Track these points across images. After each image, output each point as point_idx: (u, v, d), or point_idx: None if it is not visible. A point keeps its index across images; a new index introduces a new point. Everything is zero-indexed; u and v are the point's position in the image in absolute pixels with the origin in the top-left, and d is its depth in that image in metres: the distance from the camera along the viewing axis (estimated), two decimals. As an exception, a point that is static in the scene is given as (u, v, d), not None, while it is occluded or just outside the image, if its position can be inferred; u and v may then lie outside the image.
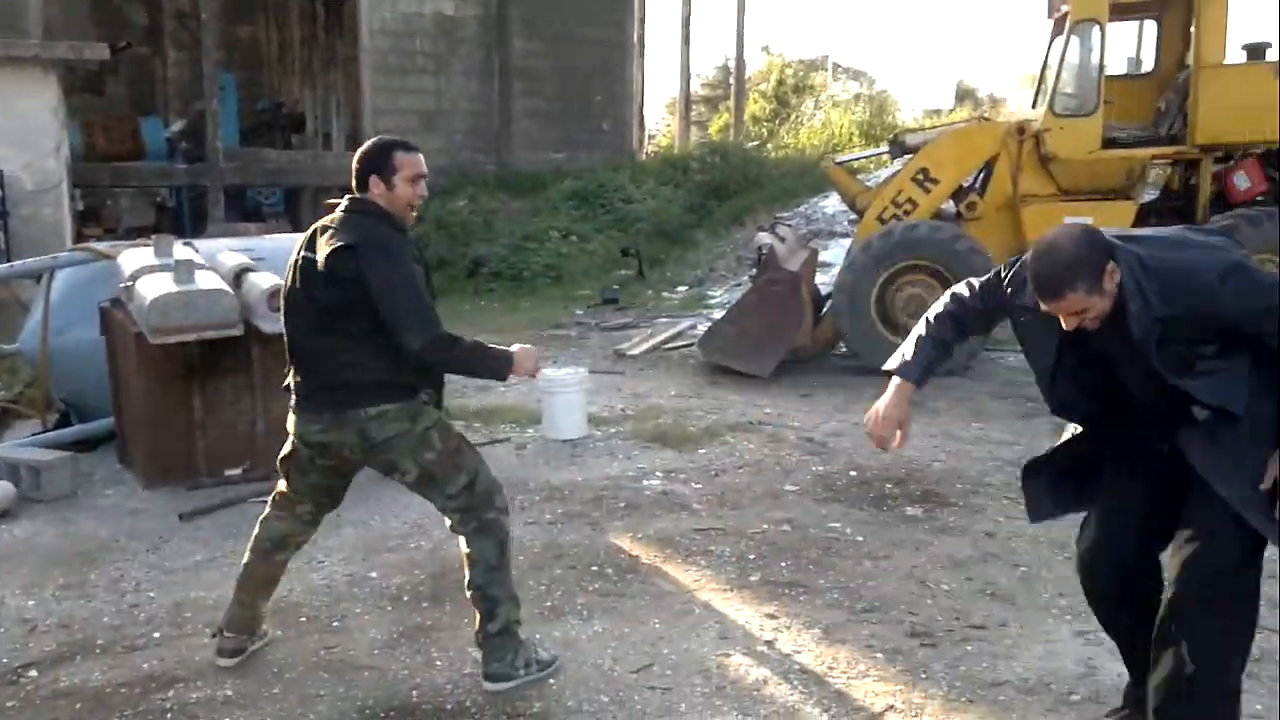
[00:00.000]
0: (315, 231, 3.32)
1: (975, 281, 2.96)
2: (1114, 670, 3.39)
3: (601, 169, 17.36)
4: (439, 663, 3.66)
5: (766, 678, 3.50)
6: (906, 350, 3.00)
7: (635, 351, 9.66)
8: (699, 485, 5.64)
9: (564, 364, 8.82)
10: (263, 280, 5.51)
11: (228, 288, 5.46)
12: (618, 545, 4.75)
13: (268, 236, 8.02)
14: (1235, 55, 8.29)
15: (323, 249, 3.21)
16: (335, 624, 4.00)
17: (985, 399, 7.58)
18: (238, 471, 5.69)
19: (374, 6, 16.41)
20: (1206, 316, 2.51)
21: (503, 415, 7.25)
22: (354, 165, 3.31)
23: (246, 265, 5.76)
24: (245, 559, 3.65)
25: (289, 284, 3.37)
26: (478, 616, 3.43)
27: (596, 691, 3.42)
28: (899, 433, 2.92)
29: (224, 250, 6.06)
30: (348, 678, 3.56)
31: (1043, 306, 2.57)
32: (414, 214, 3.36)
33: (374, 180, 3.27)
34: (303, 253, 3.31)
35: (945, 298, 3.01)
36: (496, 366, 3.37)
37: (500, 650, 3.42)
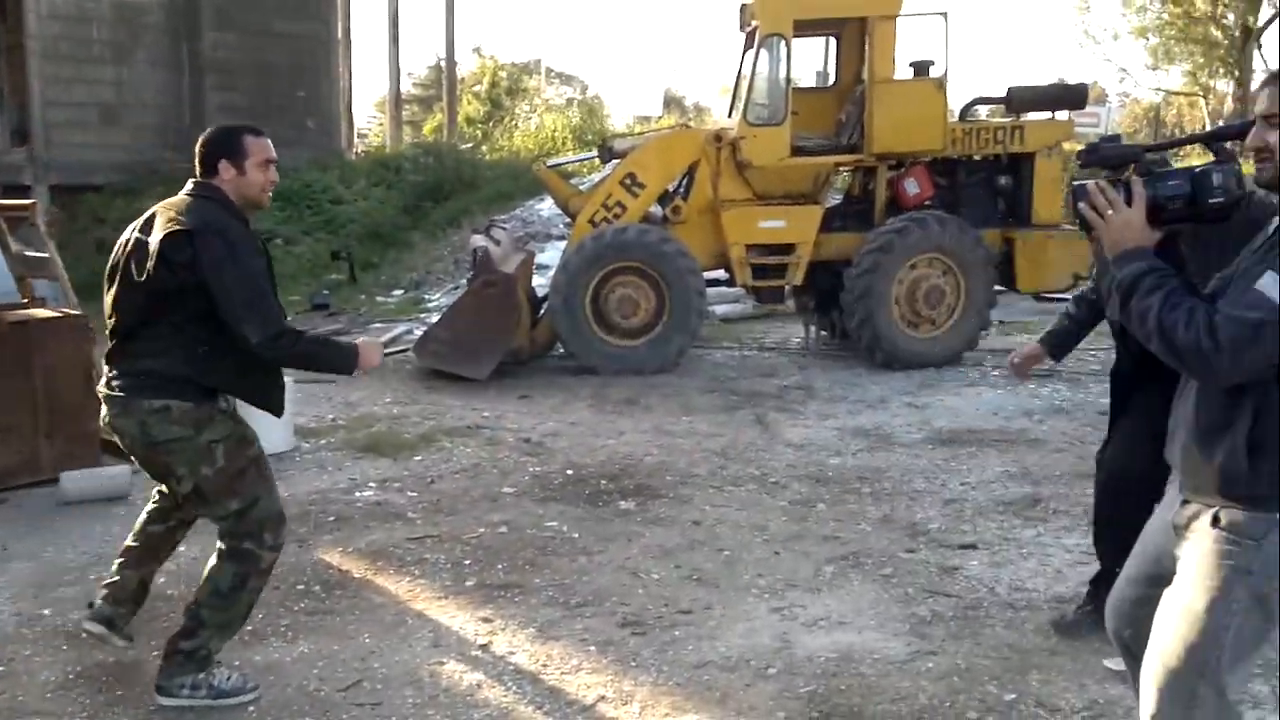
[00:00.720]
0: (155, 213, 3.18)
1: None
2: (806, 643, 3.64)
3: (308, 168, 16.61)
4: (124, 701, 3.37)
5: (480, 681, 3.49)
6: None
7: (347, 358, 9.33)
8: (414, 493, 5.54)
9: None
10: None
11: None
12: (326, 561, 4.57)
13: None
14: (904, 72, 9.11)
15: (158, 230, 3.06)
16: (1, 668, 3.59)
17: (694, 394, 7.92)
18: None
19: (42, -12, 14.88)
20: None
21: (201, 430, 6.78)
22: (199, 150, 3.24)
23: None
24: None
25: (116, 263, 3.19)
26: (181, 626, 3.29)
27: (300, 714, 3.28)
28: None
29: None
30: (15, 729, 3.21)
31: None
32: (268, 199, 3.34)
33: (224, 165, 3.20)
34: (136, 233, 3.16)
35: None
36: (340, 360, 3.31)
37: (180, 670, 3.27)
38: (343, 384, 8.34)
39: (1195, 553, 2.15)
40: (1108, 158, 2.57)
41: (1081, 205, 2.23)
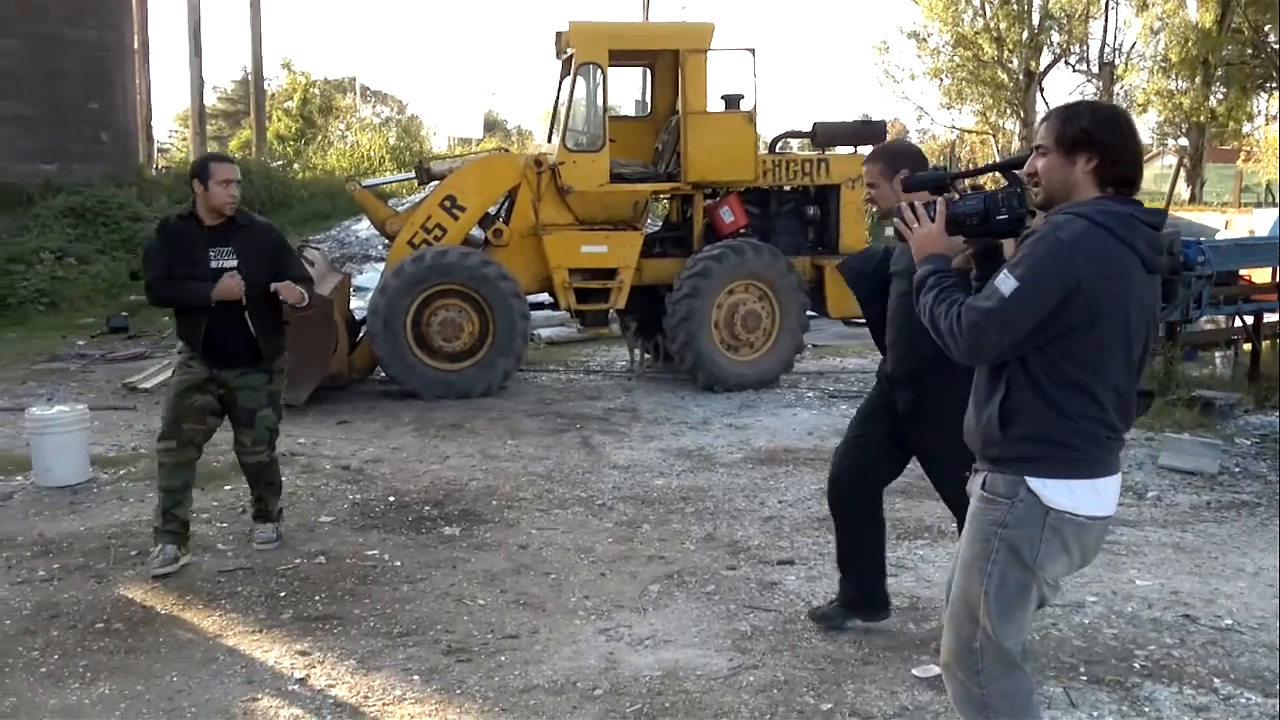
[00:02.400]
0: None
1: None
2: (632, 662, 3.68)
3: (102, 184, 15.65)
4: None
5: (297, 716, 3.36)
6: None
7: (149, 384, 8.82)
8: (224, 524, 5.29)
9: (60, 401, 7.84)
10: None
11: None
12: (128, 597, 4.31)
13: None
14: (716, 104, 9.40)
15: None
16: None
17: (520, 417, 7.89)
18: None
19: None
20: None
21: (-19, 463, 6.28)
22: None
23: None
24: None
25: None
26: None
27: (102, 763, 3.07)
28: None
29: None
30: None
31: None
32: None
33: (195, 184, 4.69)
34: None
35: None
36: (197, 295, 4.62)
37: None
38: (144, 410, 7.90)
39: (971, 512, 2.55)
40: (925, 181, 2.94)
41: (895, 220, 2.66)
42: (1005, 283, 2.30)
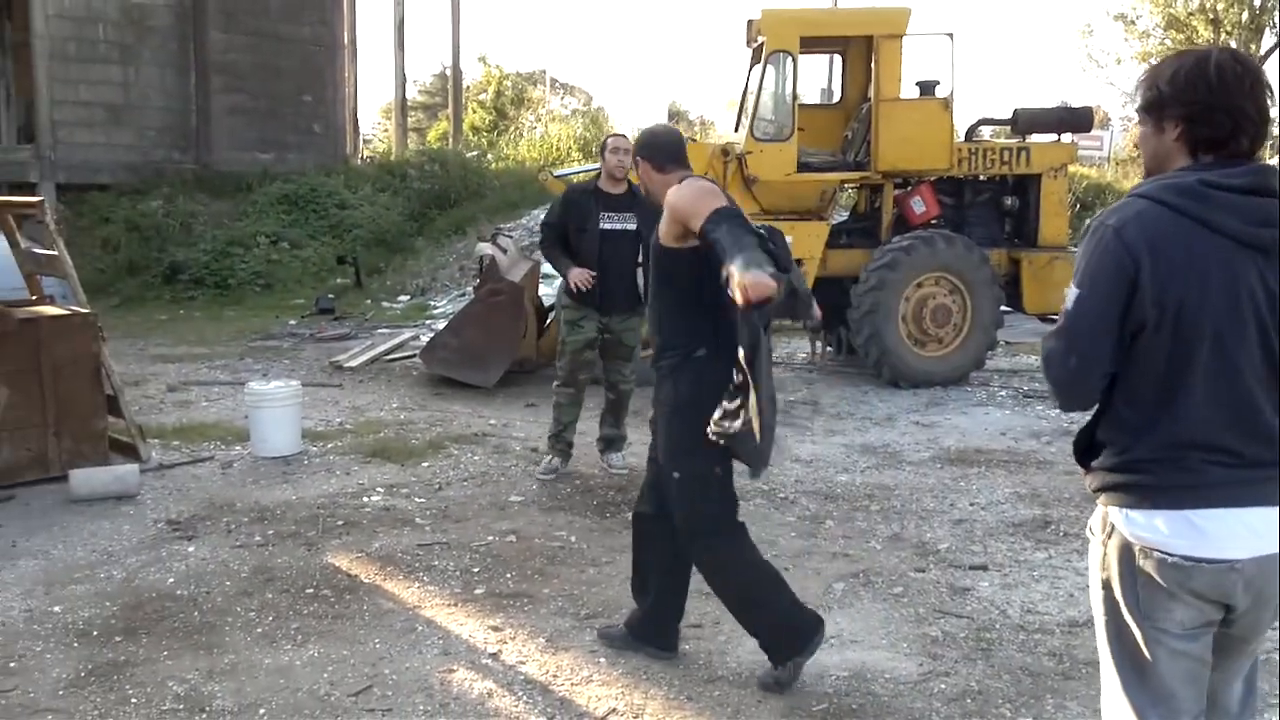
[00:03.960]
0: None
1: None
2: (817, 659, 3.63)
3: (313, 172, 16.64)
4: (134, 700, 3.36)
5: (491, 690, 3.48)
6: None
7: (354, 363, 9.34)
8: (422, 499, 5.53)
9: (275, 377, 8.39)
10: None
11: None
12: (335, 565, 4.56)
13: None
14: (910, 91, 9.15)
15: None
16: (12, 664, 3.59)
17: (698, 406, 7.89)
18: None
19: (49, -11, 14.88)
20: None
21: (205, 433, 6.78)
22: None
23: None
24: None
25: None
26: None
27: (311, 719, 3.27)
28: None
29: None
30: (25, 728, 3.20)
31: None
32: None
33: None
34: None
35: None
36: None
37: None
38: (350, 388, 8.35)
39: None
40: None
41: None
42: (1068, 295, 2.02)
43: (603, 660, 3.70)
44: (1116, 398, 2.03)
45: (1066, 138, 9.44)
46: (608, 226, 5.65)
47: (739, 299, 2.82)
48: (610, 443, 6.13)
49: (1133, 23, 27.88)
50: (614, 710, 3.36)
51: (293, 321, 11.98)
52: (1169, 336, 1.94)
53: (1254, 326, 1.94)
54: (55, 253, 6.01)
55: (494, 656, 3.73)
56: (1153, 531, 1.98)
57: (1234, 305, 1.92)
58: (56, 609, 4.04)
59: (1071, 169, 9.93)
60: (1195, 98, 1.95)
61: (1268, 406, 1.97)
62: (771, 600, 3.46)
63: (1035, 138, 9.35)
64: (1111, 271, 1.95)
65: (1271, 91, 1.98)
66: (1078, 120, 9.54)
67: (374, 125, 31.80)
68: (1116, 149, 24.82)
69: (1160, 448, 1.98)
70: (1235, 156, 1.96)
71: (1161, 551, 1.97)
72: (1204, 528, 1.95)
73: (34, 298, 6.30)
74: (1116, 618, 2.06)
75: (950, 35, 8.85)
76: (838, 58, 9.99)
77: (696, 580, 4.42)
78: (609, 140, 5.82)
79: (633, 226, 5.61)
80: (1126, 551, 2.02)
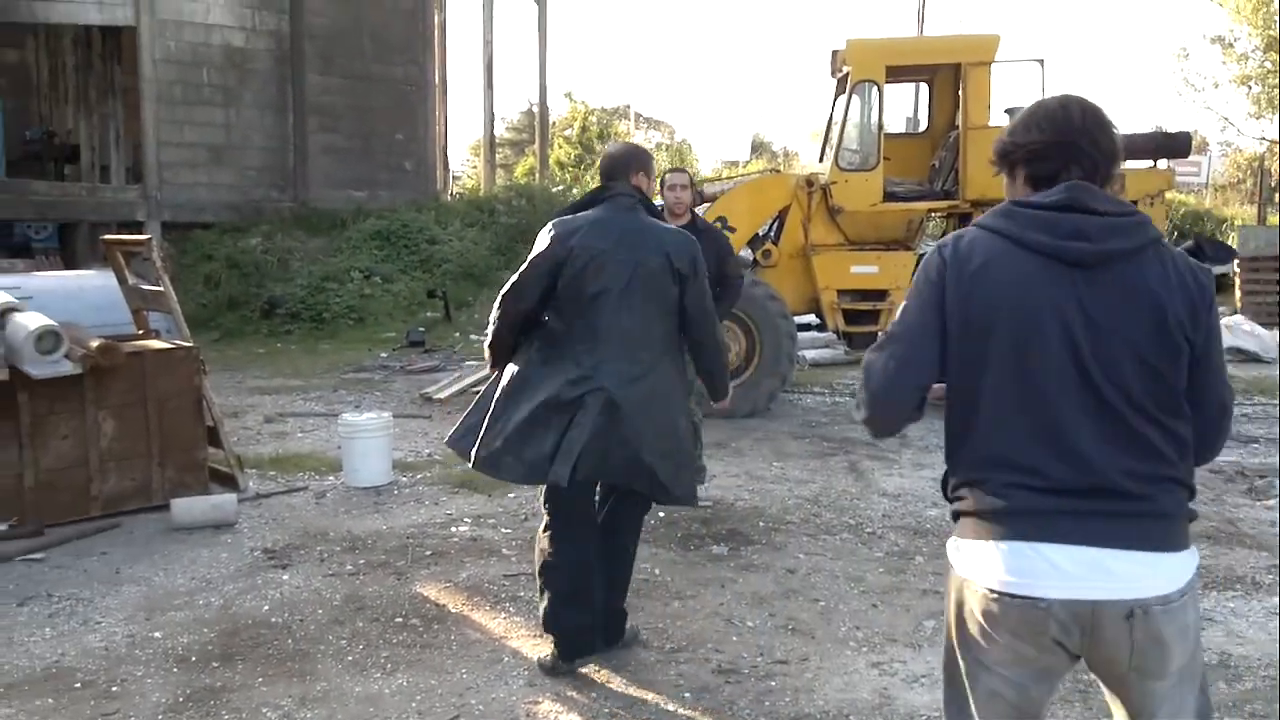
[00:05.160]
0: None
1: None
2: (908, 700, 3.56)
3: (404, 209, 17.07)
4: (231, 728, 3.44)
5: (577, 724, 3.48)
6: None
7: (443, 395, 9.50)
8: (508, 530, 5.58)
9: (367, 408, 8.58)
10: (30, 321, 5.11)
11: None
12: (424, 594, 4.63)
13: (37, 274, 7.46)
14: (999, 118, 9.01)
15: None
16: (114, 689, 3.70)
17: (785, 439, 7.86)
18: (3, 527, 5.21)
19: (156, 35, 15.57)
20: None
21: (300, 463, 6.96)
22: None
23: (11, 305, 5.33)
24: None
25: None
26: None
27: (402, 749, 3.31)
28: None
29: (-13, 288, 5.58)
30: (128, 750, 3.30)
31: None
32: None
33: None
34: None
35: None
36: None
37: None
38: (439, 420, 8.49)
39: None
40: None
41: None
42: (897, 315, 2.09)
43: (687, 695, 3.67)
44: (947, 421, 2.08)
45: (1163, 164, 9.20)
46: None
47: None
48: None
49: (1230, 45, 27.08)
50: (699, 746, 3.33)
51: (384, 354, 12.25)
52: (972, 349, 1.97)
53: (1061, 343, 1.91)
54: (161, 289, 6.26)
55: (579, 689, 3.73)
56: (968, 562, 1.99)
57: (1039, 320, 1.92)
58: (157, 634, 4.18)
59: (1169, 195, 9.65)
60: (1030, 139, 2.02)
61: (1075, 428, 1.91)
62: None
63: (1130, 164, 9.12)
64: (925, 281, 2.04)
65: (1114, 128, 2.02)
66: (1174, 146, 9.29)
67: (463, 162, 32.47)
68: (1215, 174, 24.06)
69: (968, 467, 2.01)
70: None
71: (975, 583, 1.97)
72: (1007, 562, 1.92)
73: (140, 332, 6.57)
74: (950, 650, 2.07)
75: (1040, 62, 8.74)
76: (924, 86, 9.91)
77: (783, 616, 4.37)
78: (666, 176, 5.83)
79: None
80: (958, 581, 2.03)
